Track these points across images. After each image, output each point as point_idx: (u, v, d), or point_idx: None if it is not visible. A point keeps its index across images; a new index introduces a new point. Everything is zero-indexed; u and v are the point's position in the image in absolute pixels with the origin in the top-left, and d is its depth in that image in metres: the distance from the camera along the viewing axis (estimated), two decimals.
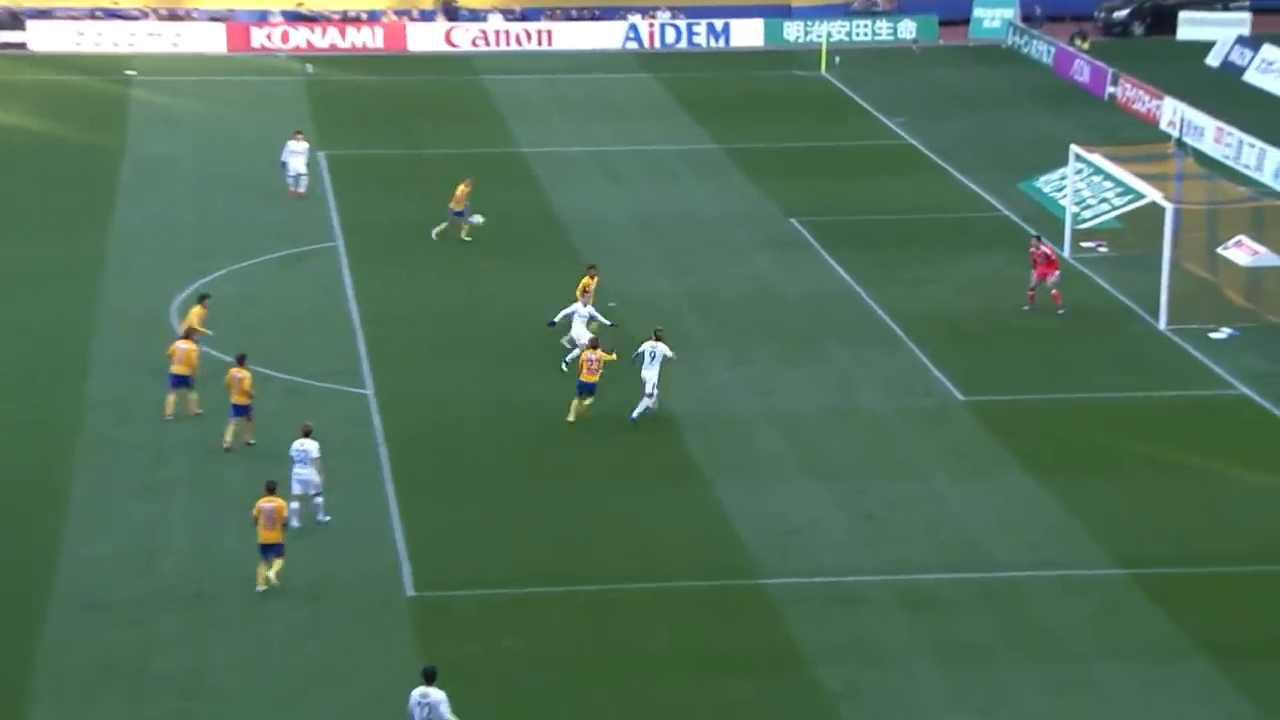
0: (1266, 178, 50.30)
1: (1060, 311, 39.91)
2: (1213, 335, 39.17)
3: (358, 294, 41.36)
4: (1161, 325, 39.64)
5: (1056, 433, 34.35)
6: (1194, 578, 28.88)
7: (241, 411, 32.51)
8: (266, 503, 27.80)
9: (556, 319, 36.53)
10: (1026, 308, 40.26)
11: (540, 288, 41.65)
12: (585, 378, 33.73)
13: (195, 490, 31.42)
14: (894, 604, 27.88)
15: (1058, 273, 40.29)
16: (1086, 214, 43.41)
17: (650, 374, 33.83)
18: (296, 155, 48.22)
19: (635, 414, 33.83)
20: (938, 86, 63.11)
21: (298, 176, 48.15)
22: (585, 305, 36.17)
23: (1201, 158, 50.00)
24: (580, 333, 35.96)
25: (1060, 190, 45.09)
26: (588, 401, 33.79)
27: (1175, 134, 53.85)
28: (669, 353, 33.96)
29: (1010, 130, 56.97)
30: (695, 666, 26.10)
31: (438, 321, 39.81)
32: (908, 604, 27.87)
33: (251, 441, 32.57)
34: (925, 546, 29.70)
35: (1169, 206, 40.31)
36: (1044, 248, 40.56)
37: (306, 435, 29.91)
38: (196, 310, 35.97)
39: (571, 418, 33.81)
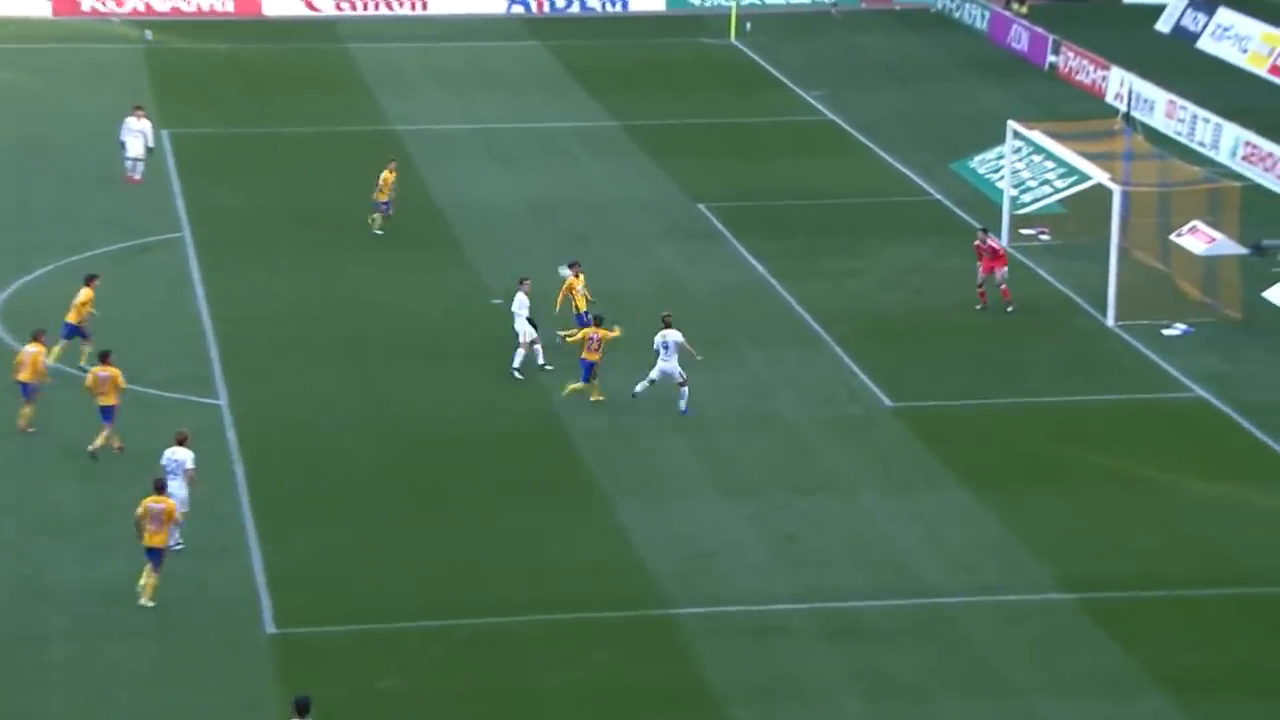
0: (1223, 156, 51.12)
1: (1009, 309, 40.37)
2: (1165, 332, 39.77)
3: (208, 292, 41.10)
4: (1109, 321, 40.21)
5: (995, 441, 34.74)
6: (1147, 602, 29.30)
7: (110, 414, 32.37)
8: (154, 503, 27.82)
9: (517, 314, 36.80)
10: (979, 306, 40.65)
11: (417, 284, 41.56)
12: (586, 356, 34.99)
13: (20, 517, 31.05)
14: (817, 635, 28.09)
15: (1005, 268, 40.72)
16: (1026, 198, 43.90)
17: (668, 365, 34.72)
18: (136, 135, 47.74)
19: (638, 390, 34.95)
20: (860, 55, 63.63)
21: (136, 161, 47.70)
22: (521, 292, 36.50)
23: (1152, 134, 50.72)
24: (524, 328, 36.38)
25: (997, 171, 45.57)
26: (595, 382, 34.99)
27: (1123, 108, 54.60)
28: (680, 338, 34.75)
29: (941, 104, 57.54)
30: (596, 708, 26.16)
31: (300, 322, 39.63)
32: (832, 634, 28.09)
33: (110, 446, 32.39)
34: (851, 570, 29.95)
35: (1116, 189, 40.89)
36: (991, 241, 41.03)
37: (180, 444, 29.83)
38: (85, 293, 35.80)
39: (566, 392, 35.10)
